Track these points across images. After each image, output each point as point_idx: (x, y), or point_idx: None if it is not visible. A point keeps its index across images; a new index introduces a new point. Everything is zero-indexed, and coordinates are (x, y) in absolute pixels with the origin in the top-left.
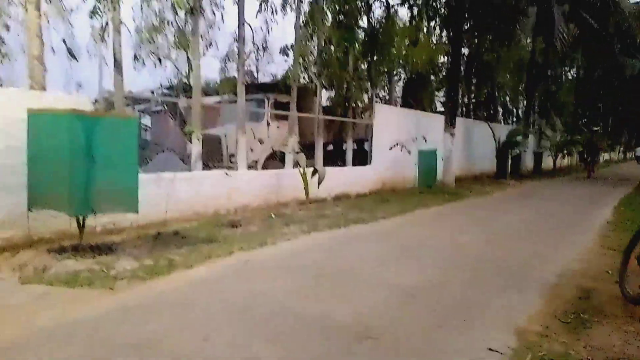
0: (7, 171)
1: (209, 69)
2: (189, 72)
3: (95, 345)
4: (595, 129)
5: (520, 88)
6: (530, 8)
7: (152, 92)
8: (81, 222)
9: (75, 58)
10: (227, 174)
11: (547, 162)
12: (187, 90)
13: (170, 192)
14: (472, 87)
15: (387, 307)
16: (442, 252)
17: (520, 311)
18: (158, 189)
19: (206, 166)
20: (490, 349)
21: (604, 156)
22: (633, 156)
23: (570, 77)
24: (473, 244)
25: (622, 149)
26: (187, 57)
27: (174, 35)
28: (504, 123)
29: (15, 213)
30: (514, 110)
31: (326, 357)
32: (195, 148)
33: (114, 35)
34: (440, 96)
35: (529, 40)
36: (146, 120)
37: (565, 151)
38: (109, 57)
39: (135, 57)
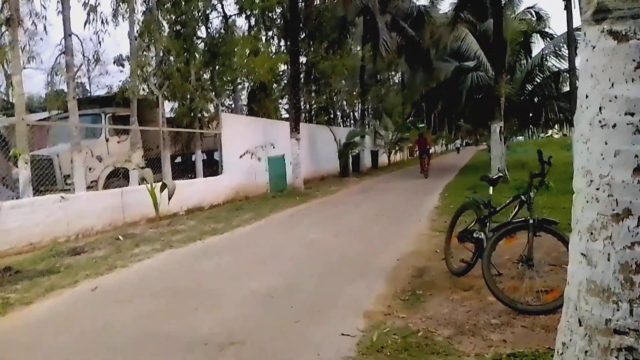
0: None
1: (33, 83)
2: (8, 88)
3: None
4: (421, 125)
5: (355, 92)
6: (357, 19)
7: None
8: None
9: None
10: (62, 197)
11: (383, 158)
12: (7, 107)
13: None
14: (313, 94)
15: (247, 313)
16: (296, 252)
17: (367, 296)
18: None
19: (38, 192)
20: (342, 334)
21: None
22: (453, 147)
23: (396, 81)
24: (323, 240)
25: (444, 142)
26: (5, 72)
27: None
28: (343, 126)
29: None
30: (351, 114)
31: None
32: (23, 172)
33: None
34: (284, 104)
35: (359, 48)
36: None
37: (397, 148)
38: None
39: None
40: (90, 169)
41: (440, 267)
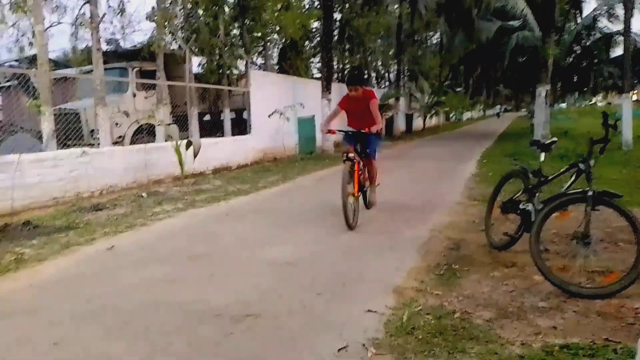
0: None
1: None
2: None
3: None
4: (458, 90)
5: (390, 53)
6: None
7: None
8: None
9: None
10: (84, 151)
11: (417, 122)
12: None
13: (18, 177)
14: (346, 53)
15: (266, 283)
16: (322, 218)
17: (397, 269)
18: (3, 174)
19: (66, 146)
20: (369, 310)
21: (467, 115)
22: (493, 113)
23: (434, 42)
24: None
25: (482, 107)
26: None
27: None
28: (377, 87)
29: None
30: (386, 75)
31: (202, 346)
32: (47, 125)
33: None
34: (315, 62)
35: (396, 7)
36: None
37: (433, 112)
38: None
39: None
40: (117, 124)
41: (478, 240)
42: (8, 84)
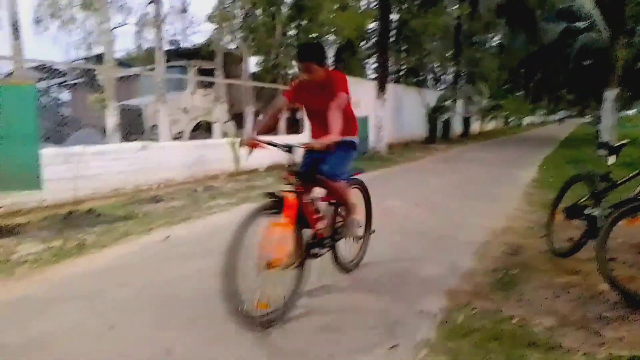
0: None
1: (127, 40)
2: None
3: None
4: (518, 94)
5: (448, 55)
6: None
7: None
8: None
9: None
10: (144, 145)
11: (474, 126)
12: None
13: (83, 168)
14: (402, 54)
15: (316, 279)
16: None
17: (451, 272)
18: (67, 164)
19: (129, 140)
20: (421, 311)
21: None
22: (554, 119)
23: (494, 44)
24: (402, 208)
25: (544, 112)
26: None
27: None
28: (433, 89)
29: None
30: (442, 77)
31: (251, 338)
32: (111, 119)
33: None
34: (370, 63)
35: (455, 7)
36: (65, 95)
37: (491, 115)
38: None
39: (38, 21)
40: (176, 120)
41: (538, 246)
42: (76, 81)
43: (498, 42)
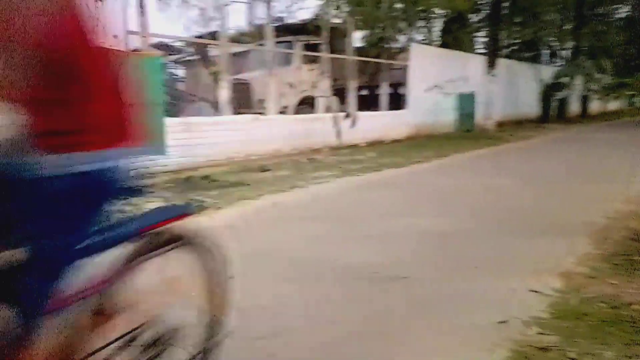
0: None
1: (238, 18)
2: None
3: None
4: None
5: (567, 27)
6: None
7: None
8: None
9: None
10: (256, 117)
11: (594, 106)
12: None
13: (200, 137)
14: (516, 27)
15: (418, 250)
16: (477, 196)
17: (566, 254)
18: (187, 133)
19: (238, 113)
20: (532, 290)
21: None
22: None
23: (621, 17)
24: (511, 187)
25: None
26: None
27: None
28: (549, 65)
29: None
30: (560, 52)
31: (357, 299)
32: (223, 93)
33: None
34: (481, 36)
35: None
36: (180, 72)
37: (613, 94)
38: None
39: None
40: (282, 94)
41: None
42: (190, 57)
43: (626, 13)
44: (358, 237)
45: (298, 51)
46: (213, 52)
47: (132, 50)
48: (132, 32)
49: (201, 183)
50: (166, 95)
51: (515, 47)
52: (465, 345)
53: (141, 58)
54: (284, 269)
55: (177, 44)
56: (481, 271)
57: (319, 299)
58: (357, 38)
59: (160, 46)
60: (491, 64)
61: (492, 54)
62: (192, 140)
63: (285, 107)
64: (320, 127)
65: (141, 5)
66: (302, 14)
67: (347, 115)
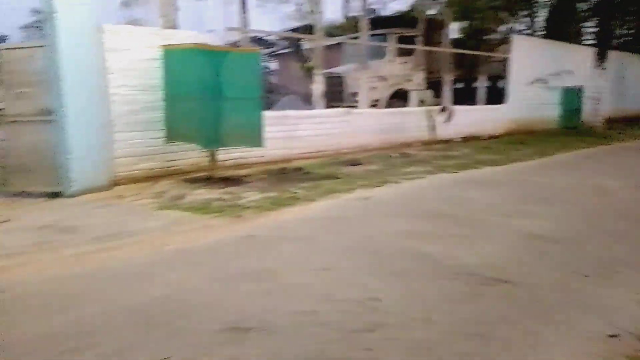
0: (147, 107)
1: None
2: (311, 11)
3: (215, 271)
4: None
5: None
6: None
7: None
8: (212, 155)
9: None
10: (347, 111)
11: None
12: (310, 32)
13: (293, 130)
14: (629, 16)
15: (518, 254)
16: (582, 198)
17: None
18: (281, 126)
19: (330, 107)
20: None
21: None
22: None
23: None
24: (623, 191)
25: None
26: None
27: None
28: None
29: (154, 146)
30: None
31: (453, 299)
32: (317, 87)
33: None
34: (589, 26)
35: None
36: (272, 65)
37: None
38: None
39: None
40: (374, 88)
41: None
42: (283, 51)
43: None
44: (454, 236)
45: (392, 44)
46: (305, 45)
47: (232, 45)
48: (232, 28)
49: (294, 175)
50: (263, 89)
51: (628, 38)
52: (571, 357)
53: (242, 53)
54: (377, 264)
55: (270, 37)
56: (591, 280)
57: (414, 296)
58: (454, 29)
59: (254, 40)
60: (601, 57)
61: (603, 46)
62: (286, 133)
63: (377, 101)
64: (413, 121)
65: (243, 2)
66: (396, 6)
67: (443, 110)
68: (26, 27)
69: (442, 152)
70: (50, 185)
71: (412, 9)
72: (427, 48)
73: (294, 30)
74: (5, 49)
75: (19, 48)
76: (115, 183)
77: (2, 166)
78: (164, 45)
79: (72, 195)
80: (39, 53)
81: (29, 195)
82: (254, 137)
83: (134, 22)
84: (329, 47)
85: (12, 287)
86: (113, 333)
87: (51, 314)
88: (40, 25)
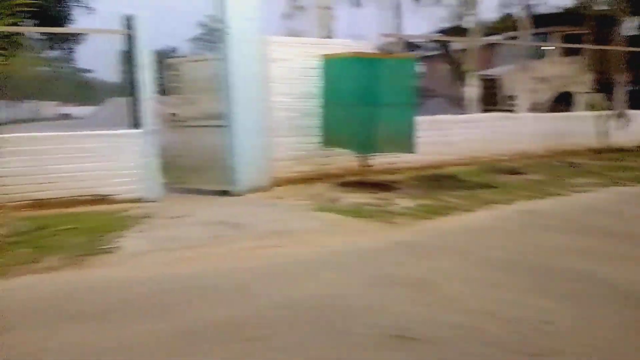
0: (304, 114)
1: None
2: (464, 12)
3: (373, 275)
4: None
5: None
6: None
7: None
8: (363, 160)
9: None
10: (504, 116)
11: None
12: (459, 33)
13: (446, 135)
14: None
15: None
16: None
17: None
18: (433, 131)
19: (484, 111)
20: None
21: None
22: None
23: None
24: None
25: None
26: None
27: None
28: None
29: (310, 150)
30: None
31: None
32: (471, 90)
33: None
34: None
35: None
36: (420, 68)
37: None
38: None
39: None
40: (534, 91)
41: None
42: (430, 54)
43: None
44: (631, 258)
45: (556, 43)
46: (454, 46)
47: (384, 51)
48: (387, 35)
49: (447, 182)
50: (417, 94)
51: None
52: None
53: (397, 59)
54: (544, 283)
55: (418, 40)
56: None
57: (589, 320)
58: (629, 27)
59: (403, 44)
60: None
61: None
62: (438, 138)
63: (537, 105)
64: (579, 127)
65: (397, 8)
66: (559, 2)
67: (620, 115)
68: (193, 39)
69: (615, 162)
70: (219, 184)
71: (579, 5)
72: (597, 47)
73: (442, 31)
74: (182, 61)
75: (193, 61)
76: (275, 184)
77: (180, 166)
78: (325, 55)
79: (238, 194)
80: (210, 64)
81: (201, 192)
82: (407, 143)
83: (293, 32)
84: (482, 47)
85: (197, 276)
86: (283, 328)
87: (231, 303)
88: (207, 37)
